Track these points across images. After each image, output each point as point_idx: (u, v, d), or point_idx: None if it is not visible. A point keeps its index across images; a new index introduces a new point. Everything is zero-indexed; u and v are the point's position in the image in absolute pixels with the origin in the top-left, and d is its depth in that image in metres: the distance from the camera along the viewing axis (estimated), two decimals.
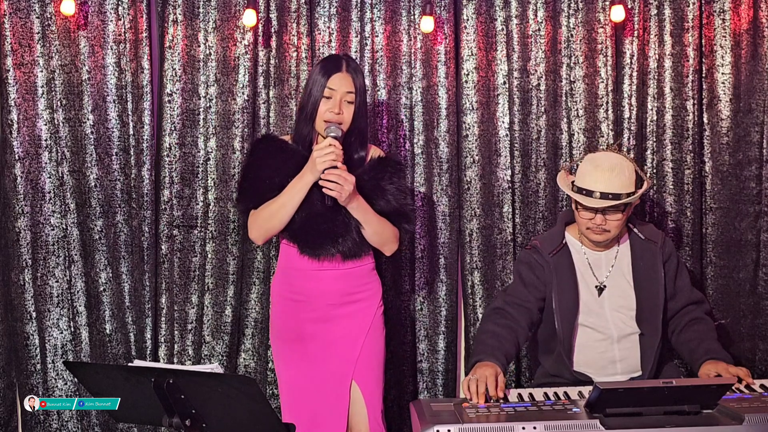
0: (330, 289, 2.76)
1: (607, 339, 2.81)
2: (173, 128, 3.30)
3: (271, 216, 2.69)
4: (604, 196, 2.69)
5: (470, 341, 3.38)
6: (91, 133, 3.28)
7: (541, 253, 2.85)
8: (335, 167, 2.61)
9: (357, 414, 2.77)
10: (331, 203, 2.65)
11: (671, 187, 3.35)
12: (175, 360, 3.35)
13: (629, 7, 3.31)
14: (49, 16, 3.22)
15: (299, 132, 2.78)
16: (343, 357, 2.77)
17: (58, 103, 3.25)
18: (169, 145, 3.30)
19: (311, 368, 2.77)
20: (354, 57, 3.29)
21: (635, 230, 2.89)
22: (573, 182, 2.81)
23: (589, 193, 2.71)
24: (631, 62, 3.33)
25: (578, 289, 2.82)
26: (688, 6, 3.31)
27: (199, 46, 3.30)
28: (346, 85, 2.71)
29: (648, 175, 3.15)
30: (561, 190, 3.34)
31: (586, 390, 2.44)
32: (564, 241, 2.88)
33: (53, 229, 3.28)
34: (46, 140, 3.25)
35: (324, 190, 2.62)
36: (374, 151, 2.85)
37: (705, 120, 3.36)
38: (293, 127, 2.88)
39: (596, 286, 2.84)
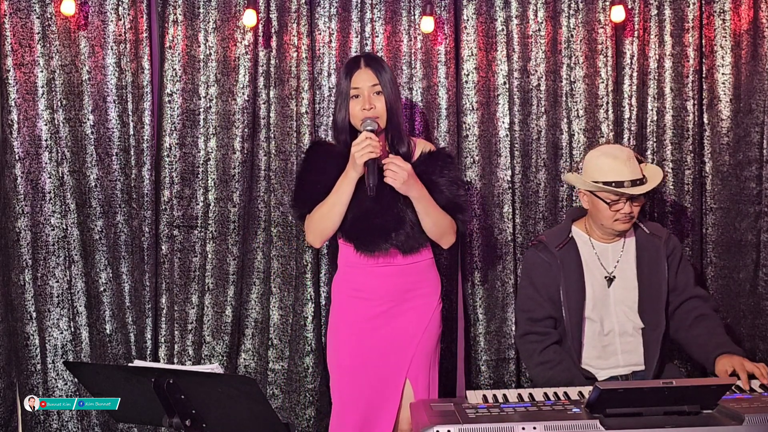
0: (388, 286, 2.78)
1: (611, 331, 2.83)
2: (173, 128, 3.30)
3: (323, 217, 2.73)
4: (634, 183, 2.75)
5: (470, 341, 3.38)
6: (92, 133, 3.28)
7: (548, 247, 2.87)
8: (375, 159, 2.63)
9: (403, 410, 2.80)
10: (374, 193, 2.64)
11: (671, 187, 3.35)
12: (175, 360, 3.35)
13: (629, 7, 3.31)
14: (49, 16, 3.22)
15: (338, 138, 2.81)
16: (400, 354, 2.79)
17: (59, 103, 3.25)
18: (170, 145, 3.30)
19: (368, 364, 2.79)
20: None
21: (641, 225, 2.92)
22: (592, 181, 2.80)
23: (619, 185, 2.74)
24: (631, 62, 3.33)
25: (584, 282, 2.83)
26: (689, 6, 3.31)
27: (200, 47, 3.30)
28: (368, 79, 2.74)
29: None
30: (562, 190, 3.35)
31: (586, 390, 2.44)
32: (570, 235, 2.90)
33: (53, 230, 3.28)
34: (46, 140, 3.25)
35: (386, 179, 2.65)
36: (424, 146, 2.87)
37: (705, 120, 3.36)
38: (332, 135, 2.90)
39: (606, 277, 2.86)
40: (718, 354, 2.69)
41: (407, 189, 2.68)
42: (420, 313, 2.82)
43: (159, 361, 3.34)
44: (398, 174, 2.65)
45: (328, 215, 2.73)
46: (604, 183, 2.75)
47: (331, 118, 3.28)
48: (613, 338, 2.84)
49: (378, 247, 2.74)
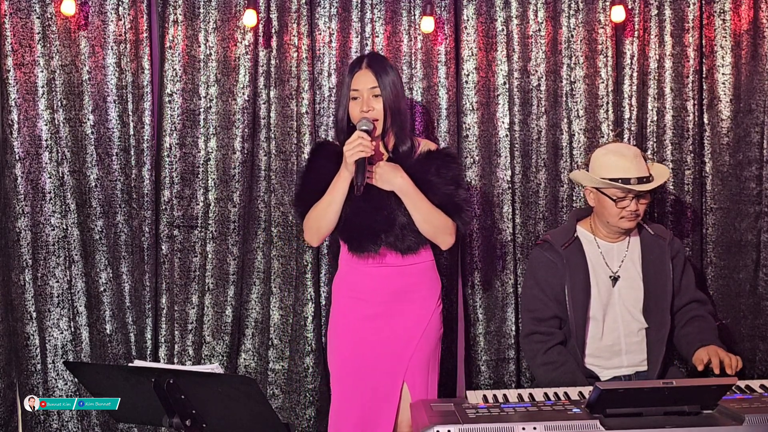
0: (382, 287, 2.77)
1: (615, 331, 2.83)
2: (173, 128, 3.30)
3: (319, 216, 2.74)
4: (641, 180, 2.77)
5: (470, 341, 3.38)
6: (92, 133, 3.28)
7: (553, 246, 2.87)
8: (366, 158, 2.63)
9: (402, 413, 2.79)
10: (360, 192, 2.65)
11: (671, 187, 3.35)
12: (176, 360, 3.35)
13: (630, 7, 3.31)
14: (49, 16, 3.22)
15: (338, 137, 2.82)
16: (397, 356, 2.78)
17: (59, 103, 3.25)
18: (170, 145, 3.30)
19: (365, 366, 2.78)
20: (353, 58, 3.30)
21: (645, 226, 2.93)
22: (599, 177, 2.81)
23: (626, 181, 2.76)
24: (631, 63, 3.33)
25: (589, 281, 2.84)
26: (689, 6, 3.31)
27: (200, 47, 3.30)
28: (368, 81, 2.74)
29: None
30: (562, 190, 3.35)
31: (587, 390, 2.44)
32: (575, 235, 2.91)
33: (53, 230, 3.28)
34: (46, 140, 3.25)
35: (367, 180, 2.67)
36: (426, 145, 2.86)
37: (705, 120, 3.36)
38: (333, 134, 2.89)
39: (610, 276, 2.87)
40: (699, 347, 2.75)
41: (389, 181, 2.69)
42: (418, 315, 2.80)
43: (159, 361, 3.34)
44: (378, 171, 2.68)
45: (323, 214, 2.73)
46: (611, 179, 2.77)
47: (331, 118, 3.29)
48: (618, 338, 2.84)
49: (367, 248, 2.74)
